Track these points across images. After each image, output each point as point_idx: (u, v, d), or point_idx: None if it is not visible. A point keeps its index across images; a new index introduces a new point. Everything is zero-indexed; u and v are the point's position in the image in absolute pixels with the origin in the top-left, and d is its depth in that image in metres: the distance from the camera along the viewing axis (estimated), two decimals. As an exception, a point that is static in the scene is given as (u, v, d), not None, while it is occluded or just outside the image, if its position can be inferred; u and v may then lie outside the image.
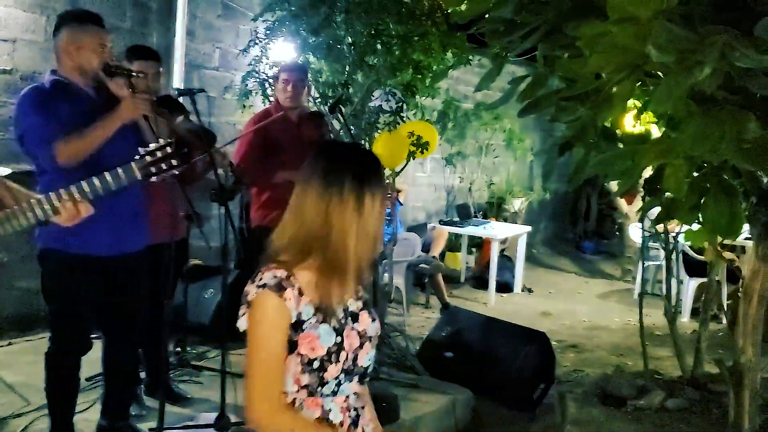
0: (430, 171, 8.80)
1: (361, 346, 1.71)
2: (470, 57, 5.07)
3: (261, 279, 1.61)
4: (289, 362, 1.63)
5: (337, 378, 1.66)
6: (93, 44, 2.74)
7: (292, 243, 1.64)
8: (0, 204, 2.05)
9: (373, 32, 4.58)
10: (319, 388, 1.65)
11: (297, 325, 1.61)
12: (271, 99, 4.91)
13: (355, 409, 1.75)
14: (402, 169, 5.20)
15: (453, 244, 8.44)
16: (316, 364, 1.62)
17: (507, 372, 4.20)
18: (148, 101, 2.75)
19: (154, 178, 2.24)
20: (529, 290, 7.95)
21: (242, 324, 1.63)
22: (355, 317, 1.72)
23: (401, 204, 7.29)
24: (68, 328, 2.89)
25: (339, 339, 1.65)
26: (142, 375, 3.64)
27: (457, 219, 8.26)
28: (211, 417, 3.29)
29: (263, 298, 1.59)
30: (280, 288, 1.59)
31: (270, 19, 4.88)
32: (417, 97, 5.36)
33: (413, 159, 4.91)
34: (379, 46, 4.65)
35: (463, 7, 2.84)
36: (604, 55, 2.15)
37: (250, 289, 1.61)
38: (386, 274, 5.46)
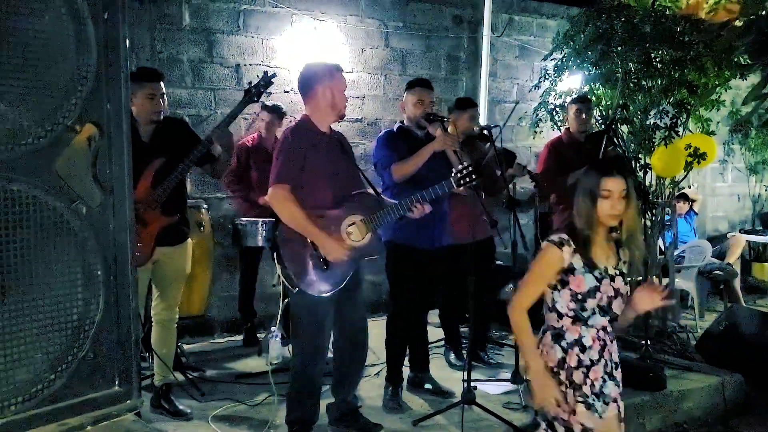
0: (731, 180, 8.78)
1: (615, 297, 2.53)
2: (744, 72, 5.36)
3: (552, 237, 2.56)
4: (564, 294, 2.52)
5: (593, 309, 2.50)
6: (425, 101, 3.95)
7: (573, 223, 2.57)
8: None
9: (646, 59, 5.20)
10: (581, 313, 2.50)
11: (569, 270, 2.50)
12: (558, 124, 5.82)
13: (603, 340, 2.56)
14: (683, 179, 5.66)
15: (760, 254, 8.31)
16: (580, 297, 2.50)
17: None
18: (454, 139, 3.86)
19: (463, 188, 3.33)
20: None
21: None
22: (612, 278, 2.54)
23: (696, 213, 7.52)
24: (401, 298, 4.01)
25: (597, 284, 2.50)
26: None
27: (760, 228, 8.15)
28: (507, 375, 4.28)
29: (548, 247, 2.53)
30: (561, 244, 2.51)
31: (557, 57, 5.78)
32: (700, 110, 5.77)
33: (691, 169, 5.38)
34: (653, 71, 5.25)
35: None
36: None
37: (546, 240, 2.57)
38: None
